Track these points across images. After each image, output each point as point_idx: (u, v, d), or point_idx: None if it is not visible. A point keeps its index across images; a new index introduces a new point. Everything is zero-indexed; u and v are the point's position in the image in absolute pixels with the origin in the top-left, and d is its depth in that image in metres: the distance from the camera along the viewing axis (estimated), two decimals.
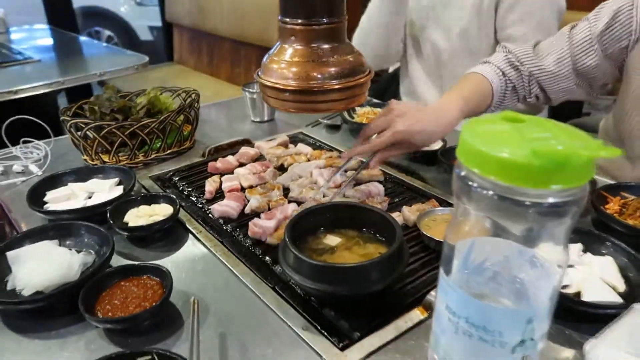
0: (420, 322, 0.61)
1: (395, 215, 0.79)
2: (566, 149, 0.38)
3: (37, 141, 1.07)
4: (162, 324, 0.61)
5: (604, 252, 0.70)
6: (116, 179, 0.92)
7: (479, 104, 0.95)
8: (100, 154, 1.00)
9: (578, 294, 0.63)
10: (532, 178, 0.39)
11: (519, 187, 0.40)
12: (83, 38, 2.66)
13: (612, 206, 0.82)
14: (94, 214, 0.80)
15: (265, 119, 1.26)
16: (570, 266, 0.69)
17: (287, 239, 0.63)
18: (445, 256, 0.50)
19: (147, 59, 1.94)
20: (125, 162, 1.00)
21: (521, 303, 0.47)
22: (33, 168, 1.00)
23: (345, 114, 1.21)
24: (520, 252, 0.47)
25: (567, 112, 1.44)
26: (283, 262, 0.63)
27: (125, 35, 5.02)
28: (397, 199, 0.87)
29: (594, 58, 0.96)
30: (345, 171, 0.94)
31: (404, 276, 0.66)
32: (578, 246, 0.71)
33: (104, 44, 3.17)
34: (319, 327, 0.59)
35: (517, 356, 0.47)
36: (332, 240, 0.69)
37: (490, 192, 0.42)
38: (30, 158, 1.03)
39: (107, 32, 4.89)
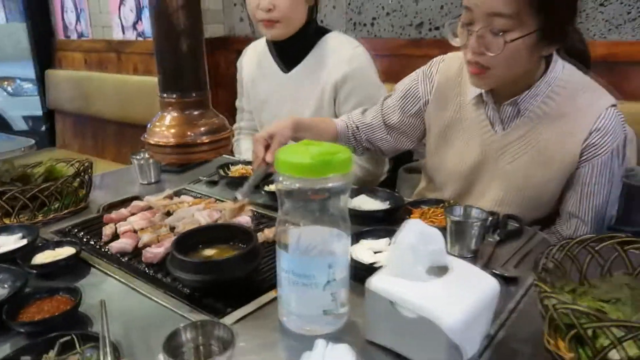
0: (274, 299, 0.84)
1: (260, 234, 1.04)
2: (326, 154, 0.67)
3: None
4: (75, 329, 0.78)
5: None
6: (20, 234, 1.06)
7: (324, 131, 1.32)
8: (2, 218, 1.14)
9: None
10: (316, 171, 0.68)
11: (311, 178, 0.68)
12: None
13: (415, 215, 1.15)
14: (4, 260, 0.94)
15: (152, 180, 1.47)
16: (381, 252, 0.98)
17: (173, 250, 0.84)
18: (280, 240, 0.75)
19: (34, 141, 2.05)
20: (25, 222, 1.14)
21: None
22: None
23: (221, 171, 1.46)
24: (329, 233, 0.75)
25: (403, 159, 1.84)
26: (172, 268, 0.84)
27: None
28: (261, 225, 1.13)
29: (397, 116, 1.34)
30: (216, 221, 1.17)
31: (263, 270, 0.90)
32: (387, 240, 1.01)
33: None
34: (200, 309, 0.81)
35: (327, 292, 0.72)
36: (208, 252, 0.92)
37: (298, 185, 0.69)
38: None
39: None
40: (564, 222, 1.17)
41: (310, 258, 0.72)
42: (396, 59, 2.12)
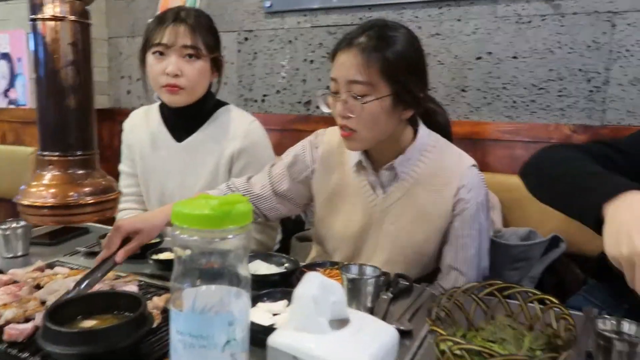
0: None
1: (148, 303, 0.96)
2: (226, 204, 0.66)
3: None
4: None
5: None
6: None
7: None
8: None
9: None
10: (215, 223, 0.66)
11: (211, 229, 0.66)
12: None
13: None
14: None
15: (19, 253, 1.31)
16: (279, 314, 0.96)
17: (46, 321, 0.74)
18: (175, 301, 0.70)
19: None
20: None
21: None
22: None
23: (103, 242, 1.35)
24: (228, 291, 0.71)
25: (295, 228, 1.86)
26: (43, 342, 0.73)
27: None
28: (149, 295, 1.04)
29: (286, 183, 1.37)
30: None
31: (152, 339, 0.83)
32: (285, 302, 0.99)
33: None
34: None
35: (226, 354, 0.68)
36: (88, 323, 0.82)
37: (196, 237, 0.66)
38: None
39: None
40: (445, 276, 1.25)
41: (208, 316, 0.68)
42: (287, 133, 2.21)
